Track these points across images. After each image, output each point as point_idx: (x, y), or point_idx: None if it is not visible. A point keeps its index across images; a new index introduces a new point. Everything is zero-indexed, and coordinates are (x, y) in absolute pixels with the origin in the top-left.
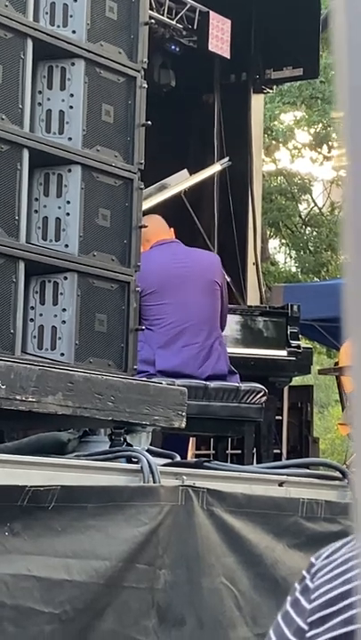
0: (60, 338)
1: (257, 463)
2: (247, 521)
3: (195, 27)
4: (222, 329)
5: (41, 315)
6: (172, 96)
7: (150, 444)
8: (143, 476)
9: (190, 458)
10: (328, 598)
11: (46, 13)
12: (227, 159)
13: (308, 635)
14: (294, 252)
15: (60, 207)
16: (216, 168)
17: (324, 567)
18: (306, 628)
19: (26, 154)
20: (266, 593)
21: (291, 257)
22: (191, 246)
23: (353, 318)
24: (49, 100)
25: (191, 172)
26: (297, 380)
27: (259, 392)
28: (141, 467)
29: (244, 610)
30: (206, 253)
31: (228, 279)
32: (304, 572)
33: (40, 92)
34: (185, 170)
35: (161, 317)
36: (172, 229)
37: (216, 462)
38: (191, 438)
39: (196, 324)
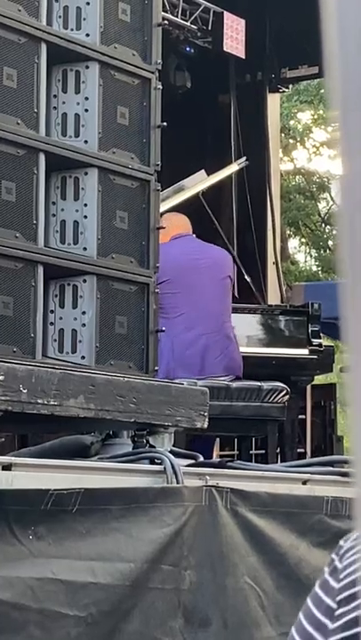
0: (80, 341)
1: (281, 463)
2: (271, 520)
3: (209, 27)
4: None
5: (61, 318)
6: (188, 97)
7: (174, 446)
8: (166, 477)
9: (215, 458)
10: (357, 577)
11: (59, 17)
12: (244, 159)
13: (337, 613)
14: (314, 250)
15: (77, 210)
16: (233, 168)
17: (353, 548)
18: (335, 606)
19: (42, 158)
20: (290, 592)
21: (311, 256)
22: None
23: (352, 319)
24: (64, 103)
25: (209, 173)
26: (320, 379)
27: (281, 391)
28: (164, 468)
29: (267, 609)
30: (219, 249)
31: (249, 279)
32: (333, 555)
33: (55, 96)
34: (202, 171)
35: (174, 307)
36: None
37: (239, 462)
38: (216, 439)
39: (207, 315)
